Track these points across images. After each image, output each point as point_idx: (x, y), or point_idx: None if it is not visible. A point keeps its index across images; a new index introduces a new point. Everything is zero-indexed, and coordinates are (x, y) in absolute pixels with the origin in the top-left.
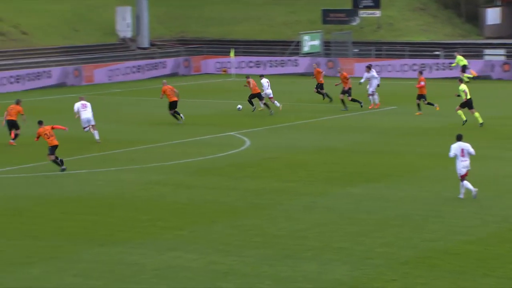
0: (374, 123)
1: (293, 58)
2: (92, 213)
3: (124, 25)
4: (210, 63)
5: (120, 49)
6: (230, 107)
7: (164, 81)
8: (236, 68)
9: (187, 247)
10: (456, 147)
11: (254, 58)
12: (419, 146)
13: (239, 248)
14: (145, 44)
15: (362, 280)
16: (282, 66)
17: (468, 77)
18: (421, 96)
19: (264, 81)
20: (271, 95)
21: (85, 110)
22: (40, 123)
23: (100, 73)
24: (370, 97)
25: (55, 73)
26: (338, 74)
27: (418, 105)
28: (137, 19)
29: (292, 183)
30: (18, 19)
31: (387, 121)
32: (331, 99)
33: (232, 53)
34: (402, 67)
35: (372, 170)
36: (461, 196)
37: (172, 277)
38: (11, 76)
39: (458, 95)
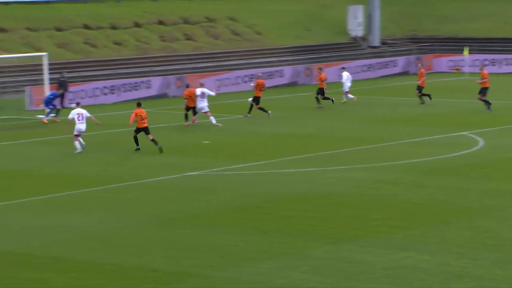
0: None
1: None
2: (322, 211)
3: (355, 24)
4: (443, 62)
5: (350, 48)
6: (463, 107)
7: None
8: (470, 66)
9: (418, 248)
10: None
11: (490, 56)
12: None
13: (473, 251)
14: (376, 42)
15: None
16: None
17: None
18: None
19: (345, 75)
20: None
21: (81, 123)
22: (139, 105)
23: (329, 72)
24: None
25: (287, 73)
26: None
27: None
28: (368, 17)
29: None
30: (253, 20)
31: None
32: None
33: (466, 51)
34: None
35: None
36: None
37: (403, 277)
38: (245, 75)
39: None
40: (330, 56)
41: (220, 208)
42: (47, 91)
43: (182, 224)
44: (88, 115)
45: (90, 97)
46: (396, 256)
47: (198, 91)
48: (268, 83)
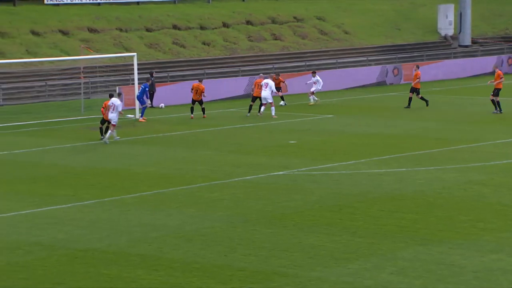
0: None
1: None
2: (411, 212)
3: (446, 23)
4: None
5: (440, 47)
6: None
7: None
8: None
9: (509, 250)
10: None
11: None
12: None
13: None
14: (467, 42)
15: None
16: None
17: None
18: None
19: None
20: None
21: (111, 112)
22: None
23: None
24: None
25: (375, 72)
26: None
27: (412, 98)
28: (459, 16)
29: None
30: (341, 19)
31: None
32: None
33: None
34: None
35: None
36: None
37: (493, 280)
38: (334, 75)
39: None
40: (418, 56)
41: (308, 208)
42: (136, 91)
43: (269, 223)
44: (120, 109)
45: (178, 96)
46: (486, 259)
47: (263, 81)
48: (355, 82)
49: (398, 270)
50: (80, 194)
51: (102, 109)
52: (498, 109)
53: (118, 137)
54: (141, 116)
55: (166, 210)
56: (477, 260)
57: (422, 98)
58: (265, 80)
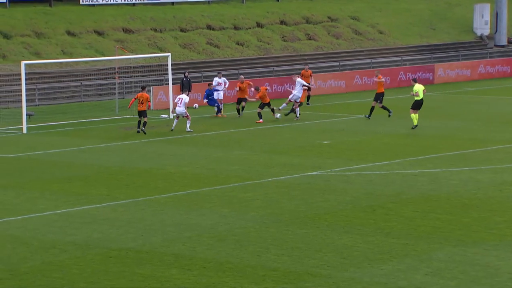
0: None
1: None
2: (446, 213)
3: (482, 23)
4: None
5: (476, 47)
6: None
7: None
8: None
9: None
10: None
11: None
12: None
13: None
14: (503, 41)
15: None
16: None
17: None
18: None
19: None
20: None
21: (179, 106)
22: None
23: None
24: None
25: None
26: None
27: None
28: (495, 16)
29: None
30: (376, 19)
31: None
32: None
33: None
34: None
35: None
36: None
37: None
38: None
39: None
40: (453, 56)
41: (341, 208)
42: (170, 91)
43: (302, 223)
44: (187, 101)
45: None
46: None
47: (297, 80)
48: (391, 83)
49: (432, 271)
50: (115, 193)
51: (133, 99)
52: None
53: (191, 130)
54: (218, 112)
55: (199, 210)
56: None
57: (384, 107)
58: (299, 79)
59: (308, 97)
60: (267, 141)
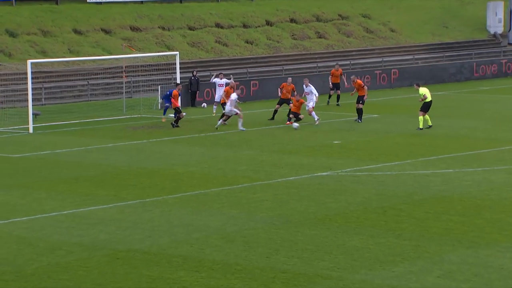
0: None
1: None
2: (459, 214)
3: (495, 21)
4: None
5: (489, 46)
6: None
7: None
8: None
9: None
10: None
11: None
12: None
13: None
14: None
15: None
16: None
17: None
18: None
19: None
20: None
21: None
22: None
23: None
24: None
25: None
26: None
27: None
28: (509, 14)
29: None
30: (387, 17)
31: None
32: None
33: None
34: None
35: None
36: None
37: None
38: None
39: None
40: (466, 54)
41: (352, 210)
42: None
43: (312, 225)
44: (233, 99)
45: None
46: None
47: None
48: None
49: (445, 274)
50: (122, 194)
51: (172, 99)
52: None
53: (243, 128)
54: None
55: (208, 210)
56: None
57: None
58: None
59: (338, 96)
60: (276, 141)
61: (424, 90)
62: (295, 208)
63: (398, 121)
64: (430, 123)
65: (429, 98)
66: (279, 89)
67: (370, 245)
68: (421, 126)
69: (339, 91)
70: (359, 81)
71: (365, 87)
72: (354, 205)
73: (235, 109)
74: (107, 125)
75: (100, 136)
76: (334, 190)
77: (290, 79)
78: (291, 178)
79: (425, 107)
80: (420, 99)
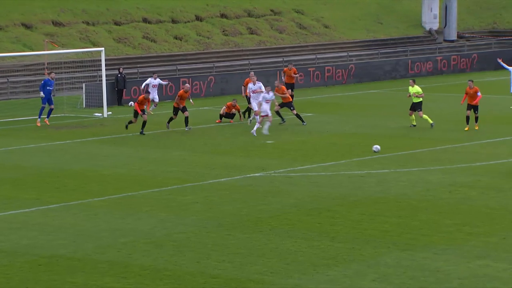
0: None
1: None
2: (394, 216)
3: (430, 16)
4: None
5: (425, 42)
6: None
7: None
8: None
9: (496, 256)
10: None
11: None
12: None
13: None
14: (453, 36)
15: None
16: None
17: None
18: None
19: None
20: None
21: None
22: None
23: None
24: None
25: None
26: None
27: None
28: (444, 9)
29: None
30: (320, 12)
31: None
32: None
33: None
34: None
35: None
36: None
37: (480, 287)
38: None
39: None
40: (401, 51)
41: (285, 212)
42: (104, 87)
43: (244, 227)
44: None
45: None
46: (473, 265)
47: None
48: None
49: (380, 277)
50: (45, 197)
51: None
52: None
53: (268, 132)
54: (39, 117)
55: (136, 214)
56: (463, 266)
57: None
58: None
59: (291, 97)
60: (208, 141)
61: (417, 89)
62: (226, 211)
63: (333, 120)
64: (414, 123)
65: (420, 98)
66: (242, 87)
67: (304, 248)
68: (414, 123)
69: (293, 92)
70: (283, 87)
71: (287, 93)
72: (288, 207)
73: (269, 111)
74: (29, 124)
75: (22, 136)
76: (267, 191)
77: (252, 72)
78: (223, 179)
79: (416, 106)
80: (408, 95)
